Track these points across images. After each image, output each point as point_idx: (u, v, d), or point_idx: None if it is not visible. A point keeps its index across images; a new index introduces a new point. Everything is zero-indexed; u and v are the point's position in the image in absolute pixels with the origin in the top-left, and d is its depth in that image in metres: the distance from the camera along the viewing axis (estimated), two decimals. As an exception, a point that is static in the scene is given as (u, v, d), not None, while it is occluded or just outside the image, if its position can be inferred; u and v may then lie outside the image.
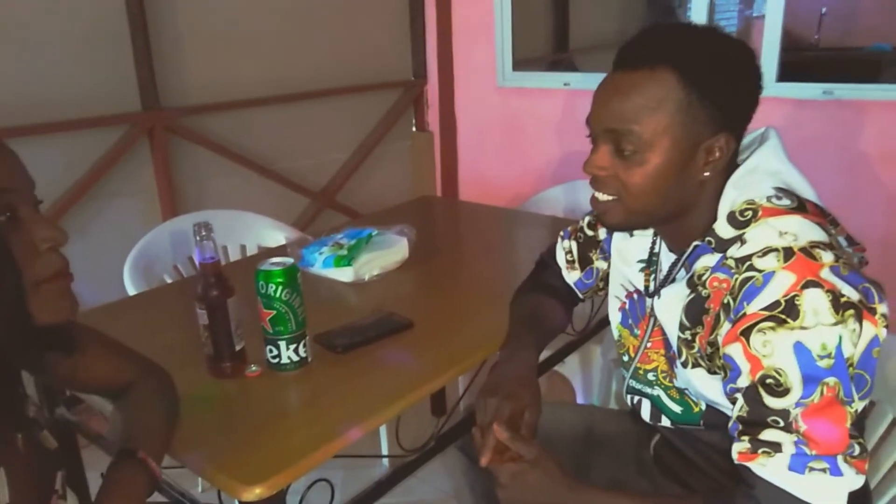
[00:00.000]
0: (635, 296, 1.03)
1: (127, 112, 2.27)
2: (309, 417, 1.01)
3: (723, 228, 0.84)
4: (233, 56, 2.55)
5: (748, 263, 0.79)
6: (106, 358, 0.91)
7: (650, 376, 1.02)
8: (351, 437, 0.93)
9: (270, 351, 1.07)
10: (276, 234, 2.00)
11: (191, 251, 1.75)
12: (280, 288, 1.03)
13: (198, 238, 1.02)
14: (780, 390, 0.74)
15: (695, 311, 0.87)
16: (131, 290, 1.63)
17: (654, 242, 1.00)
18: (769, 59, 2.30)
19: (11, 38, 1.99)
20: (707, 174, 0.85)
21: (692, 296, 0.87)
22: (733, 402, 0.80)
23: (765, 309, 0.75)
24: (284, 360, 1.07)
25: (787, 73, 2.33)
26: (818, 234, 0.79)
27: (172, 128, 2.37)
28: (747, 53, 0.85)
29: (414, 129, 3.33)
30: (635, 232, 1.03)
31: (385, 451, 1.79)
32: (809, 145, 2.27)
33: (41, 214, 0.72)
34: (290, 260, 1.06)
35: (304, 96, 2.78)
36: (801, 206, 0.83)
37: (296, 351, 1.07)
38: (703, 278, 0.85)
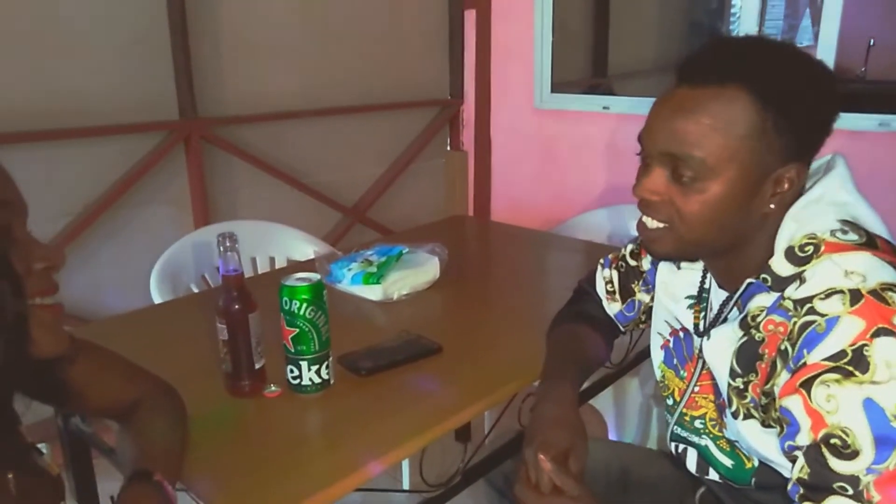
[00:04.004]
0: (681, 334, 0.96)
1: (164, 120, 2.28)
2: (329, 445, 0.96)
3: (780, 265, 0.76)
4: (271, 68, 2.55)
5: (808, 306, 0.71)
6: (106, 377, 0.85)
7: (697, 423, 0.94)
8: (372, 472, 0.87)
9: (291, 371, 1.02)
10: (305, 248, 1.97)
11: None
12: (304, 305, 0.98)
13: (221, 249, 0.97)
14: (847, 452, 0.66)
15: (748, 357, 0.79)
16: (157, 299, 1.61)
17: (703, 277, 0.93)
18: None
19: (53, 42, 2.01)
20: (772, 206, 0.78)
21: (745, 339, 0.79)
22: (792, 460, 0.72)
23: (828, 359, 0.67)
24: (305, 382, 1.02)
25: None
26: (890, 275, 0.70)
27: (208, 137, 2.37)
28: (828, 76, 0.78)
29: (448, 148, 3.29)
30: (683, 265, 0.95)
31: (406, 481, 1.72)
32: (864, 179, 2.14)
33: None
34: (316, 276, 1.01)
35: (340, 111, 2.77)
36: (870, 242, 0.75)
37: (318, 372, 1.02)
38: (758, 320, 0.77)
